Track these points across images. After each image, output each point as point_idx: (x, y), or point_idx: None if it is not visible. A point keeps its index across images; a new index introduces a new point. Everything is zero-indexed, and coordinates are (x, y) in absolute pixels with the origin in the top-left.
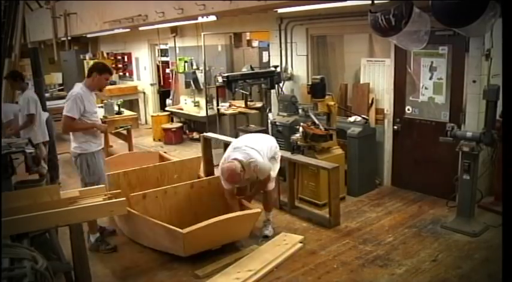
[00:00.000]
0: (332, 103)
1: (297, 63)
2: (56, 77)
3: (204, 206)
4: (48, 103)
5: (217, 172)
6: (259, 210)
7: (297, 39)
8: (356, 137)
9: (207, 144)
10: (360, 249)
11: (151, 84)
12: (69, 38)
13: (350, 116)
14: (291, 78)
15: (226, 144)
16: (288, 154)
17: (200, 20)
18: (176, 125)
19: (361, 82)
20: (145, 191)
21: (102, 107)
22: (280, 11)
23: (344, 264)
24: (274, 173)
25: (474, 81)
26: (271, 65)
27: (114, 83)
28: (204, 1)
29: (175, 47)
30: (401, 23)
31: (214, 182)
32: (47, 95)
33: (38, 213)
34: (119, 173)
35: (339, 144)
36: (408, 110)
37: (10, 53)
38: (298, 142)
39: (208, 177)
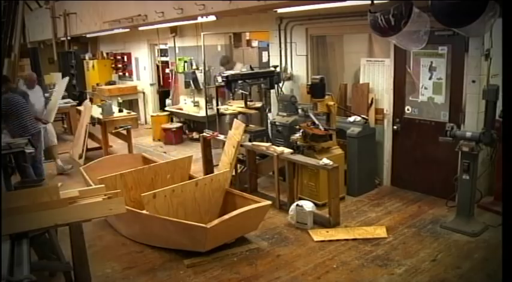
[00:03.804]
0: (332, 103)
1: (296, 63)
2: (56, 77)
3: (206, 202)
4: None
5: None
6: (269, 202)
7: (297, 39)
8: (356, 137)
9: (207, 144)
10: (360, 249)
11: (151, 84)
12: (68, 38)
13: (350, 116)
14: (290, 78)
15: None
16: (289, 152)
17: (200, 20)
18: (176, 125)
19: (361, 82)
20: (155, 191)
21: (100, 106)
22: (279, 11)
23: (344, 264)
24: None
25: (473, 81)
26: (270, 65)
27: (113, 83)
28: (204, 1)
29: (174, 47)
30: (401, 23)
31: (216, 179)
32: (46, 95)
33: (36, 211)
34: (115, 175)
35: (338, 144)
36: (408, 110)
37: (10, 53)
38: (298, 142)
39: (211, 175)
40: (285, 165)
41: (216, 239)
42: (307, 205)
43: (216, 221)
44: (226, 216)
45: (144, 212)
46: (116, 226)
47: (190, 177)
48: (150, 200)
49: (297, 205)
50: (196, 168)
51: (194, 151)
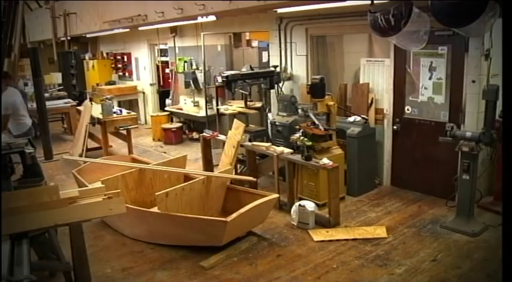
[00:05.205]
0: (332, 103)
1: (296, 63)
2: (56, 77)
3: (210, 199)
4: (47, 103)
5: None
6: (277, 195)
7: (297, 39)
8: (355, 137)
9: (207, 144)
10: (360, 249)
11: (151, 84)
12: (68, 38)
13: (350, 116)
14: (290, 78)
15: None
16: (289, 152)
17: (200, 20)
18: (176, 125)
19: (361, 82)
20: (167, 190)
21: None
22: (279, 11)
23: (344, 264)
24: None
25: (473, 81)
26: (270, 65)
27: (113, 83)
28: (204, 1)
29: (174, 47)
30: (401, 23)
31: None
32: (46, 95)
33: (36, 211)
34: (117, 176)
35: (338, 144)
36: (408, 110)
37: (10, 53)
38: (298, 142)
39: (216, 172)
40: (285, 165)
41: (232, 232)
42: (309, 205)
43: (234, 215)
44: (242, 210)
45: (156, 210)
46: (117, 226)
47: (186, 176)
48: (163, 199)
49: (299, 205)
50: (196, 168)
51: (194, 151)
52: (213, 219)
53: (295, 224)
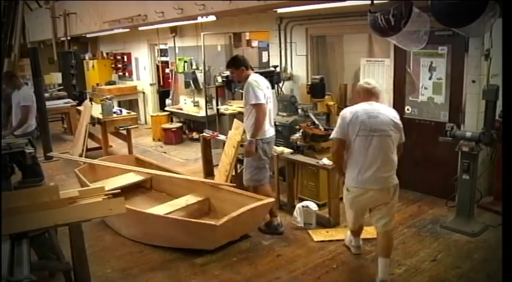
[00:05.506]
0: (331, 103)
1: (296, 63)
2: (56, 77)
3: None
4: (47, 103)
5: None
6: (273, 199)
7: (297, 39)
8: None
9: (207, 144)
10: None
11: (151, 84)
12: (68, 38)
13: None
14: (290, 78)
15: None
16: (289, 152)
17: (200, 20)
18: (176, 125)
19: None
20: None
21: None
22: (279, 11)
23: (344, 264)
24: None
25: (473, 81)
26: (270, 65)
27: (113, 83)
28: (204, 1)
29: (174, 47)
30: (401, 23)
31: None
32: (46, 95)
33: (36, 211)
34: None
35: None
36: (408, 110)
37: (9, 53)
38: (298, 142)
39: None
40: (285, 165)
41: (224, 236)
42: (312, 205)
43: (225, 219)
44: (234, 213)
45: (150, 212)
46: (116, 227)
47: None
48: None
49: (302, 206)
50: (196, 168)
51: (194, 151)
52: (203, 222)
53: (302, 225)
